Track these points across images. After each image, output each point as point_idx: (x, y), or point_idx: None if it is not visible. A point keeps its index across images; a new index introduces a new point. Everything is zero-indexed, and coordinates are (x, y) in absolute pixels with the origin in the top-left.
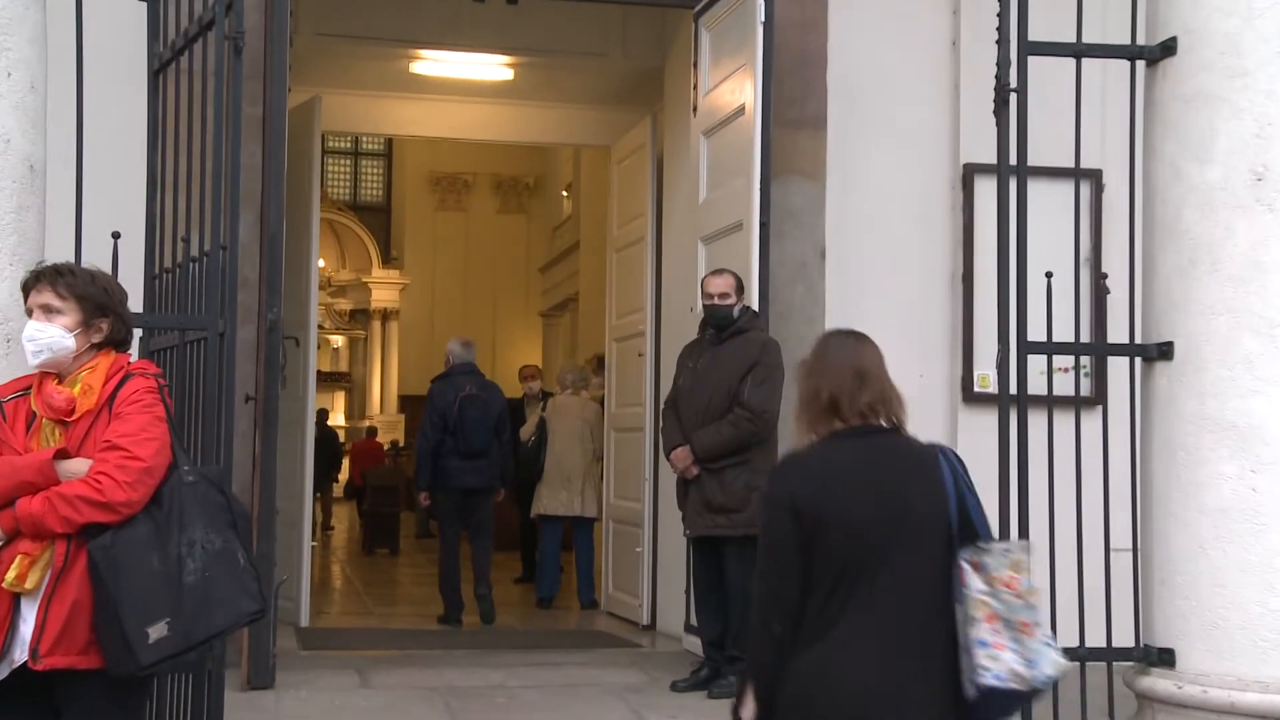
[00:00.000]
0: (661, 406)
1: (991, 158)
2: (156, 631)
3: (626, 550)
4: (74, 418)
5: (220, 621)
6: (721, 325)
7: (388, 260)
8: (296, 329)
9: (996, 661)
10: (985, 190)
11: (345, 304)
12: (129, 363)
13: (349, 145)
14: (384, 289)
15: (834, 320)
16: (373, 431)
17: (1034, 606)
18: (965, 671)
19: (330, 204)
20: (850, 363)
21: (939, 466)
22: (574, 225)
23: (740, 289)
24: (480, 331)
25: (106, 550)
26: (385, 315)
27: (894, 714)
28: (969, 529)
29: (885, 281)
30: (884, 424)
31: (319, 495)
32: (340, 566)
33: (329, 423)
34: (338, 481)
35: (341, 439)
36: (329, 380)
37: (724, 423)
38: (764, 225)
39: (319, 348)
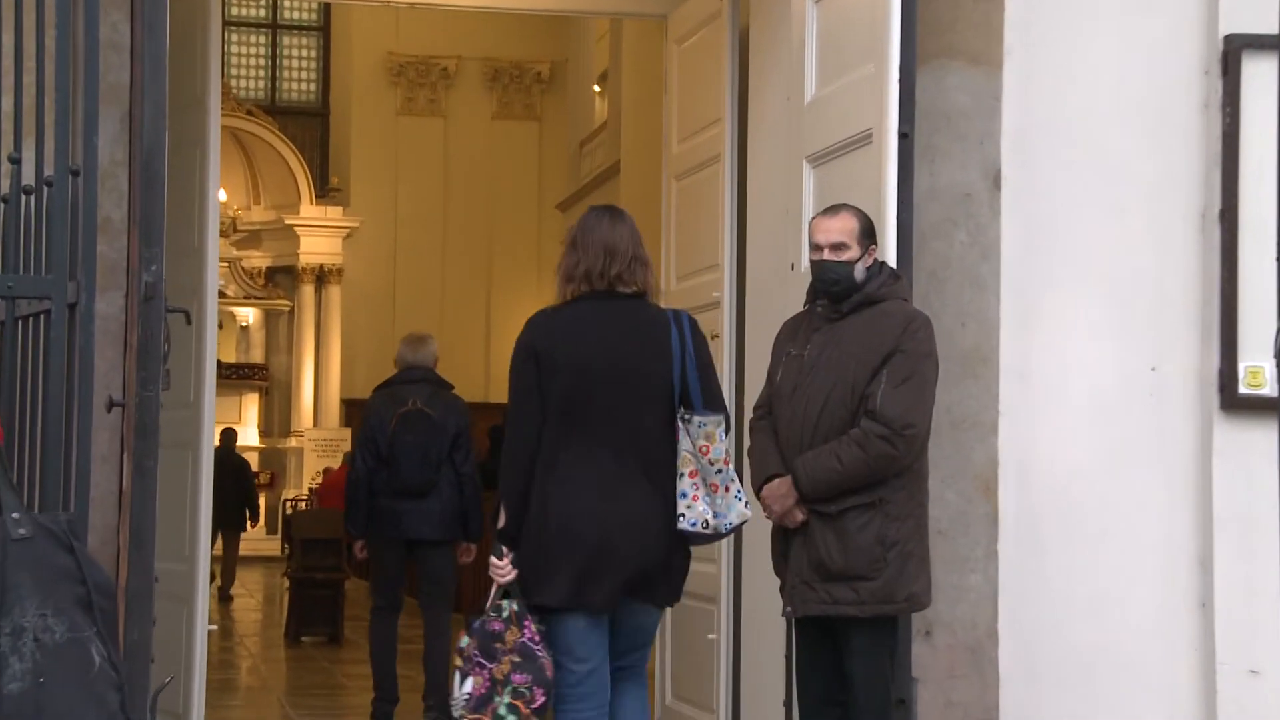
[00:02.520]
0: (749, 416)
1: (1269, 24)
2: None
3: (692, 637)
4: None
5: None
6: (840, 292)
7: (324, 192)
8: (186, 297)
9: (692, 510)
10: (1259, 77)
11: (260, 259)
12: None
13: (264, 14)
14: (320, 236)
15: (1014, 282)
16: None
17: (723, 471)
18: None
19: (237, 105)
20: (603, 241)
21: (668, 330)
22: (611, 139)
23: (869, 236)
24: (469, 302)
25: None
26: (322, 276)
27: (605, 532)
28: (688, 393)
29: (1095, 222)
30: (628, 290)
31: (219, 551)
32: (252, 661)
33: (237, 443)
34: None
35: (255, 467)
36: (236, 376)
37: (844, 441)
38: (905, 137)
39: (221, 327)
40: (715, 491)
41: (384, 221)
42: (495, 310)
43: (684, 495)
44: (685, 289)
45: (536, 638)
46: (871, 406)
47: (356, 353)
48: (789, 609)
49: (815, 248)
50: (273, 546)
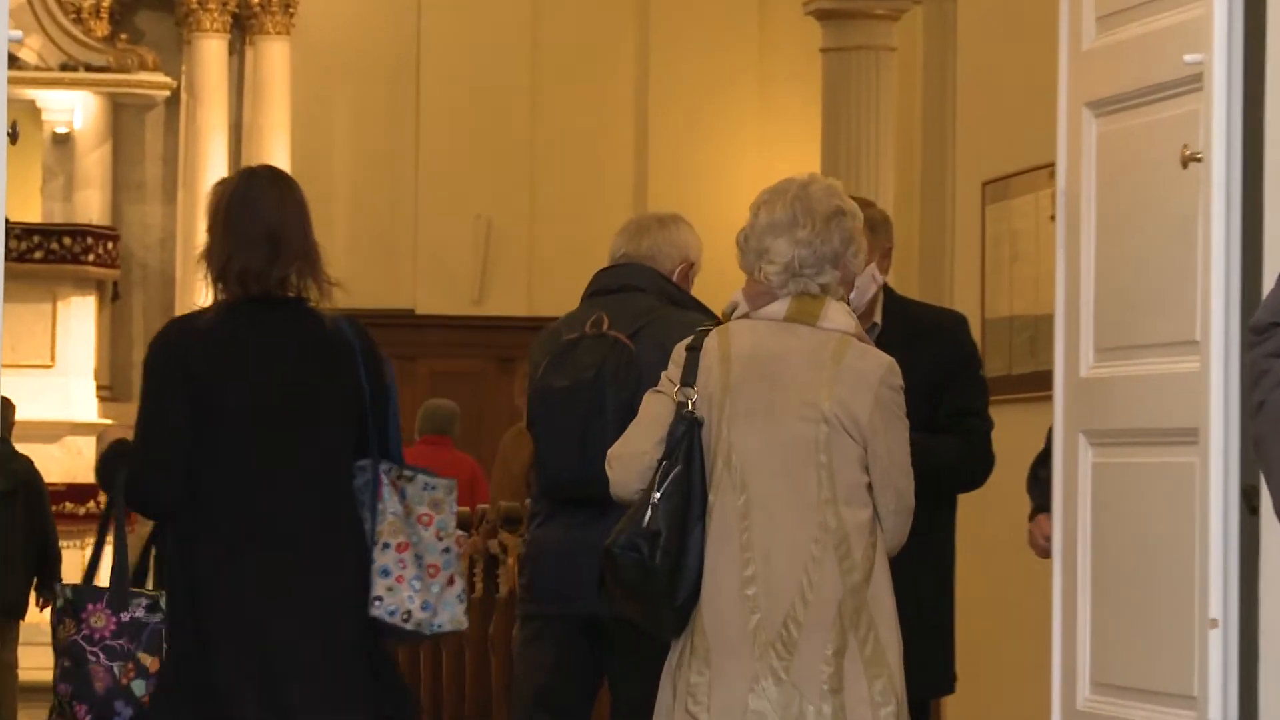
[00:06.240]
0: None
1: None
2: None
3: None
4: None
5: None
6: None
7: None
8: None
9: (393, 594)
10: None
11: None
12: None
13: None
14: None
15: None
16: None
17: (450, 550)
18: (368, 589)
19: None
20: (265, 225)
21: (352, 353)
22: None
23: None
24: (596, 99)
25: None
26: (244, 20)
27: (262, 624)
28: (382, 432)
29: None
30: (292, 295)
31: None
32: None
33: (14, 421)
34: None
35: (79, 476)
36: (48, 256)
37: None
38: None
39: (13, 137)
40: (433, 576)
41: None
42: (657, 124)
43: (386, 573)
44: (1117, 43)
45: (99, 634)
46: None
47: (332, 200)
48: None
49: None
50: None
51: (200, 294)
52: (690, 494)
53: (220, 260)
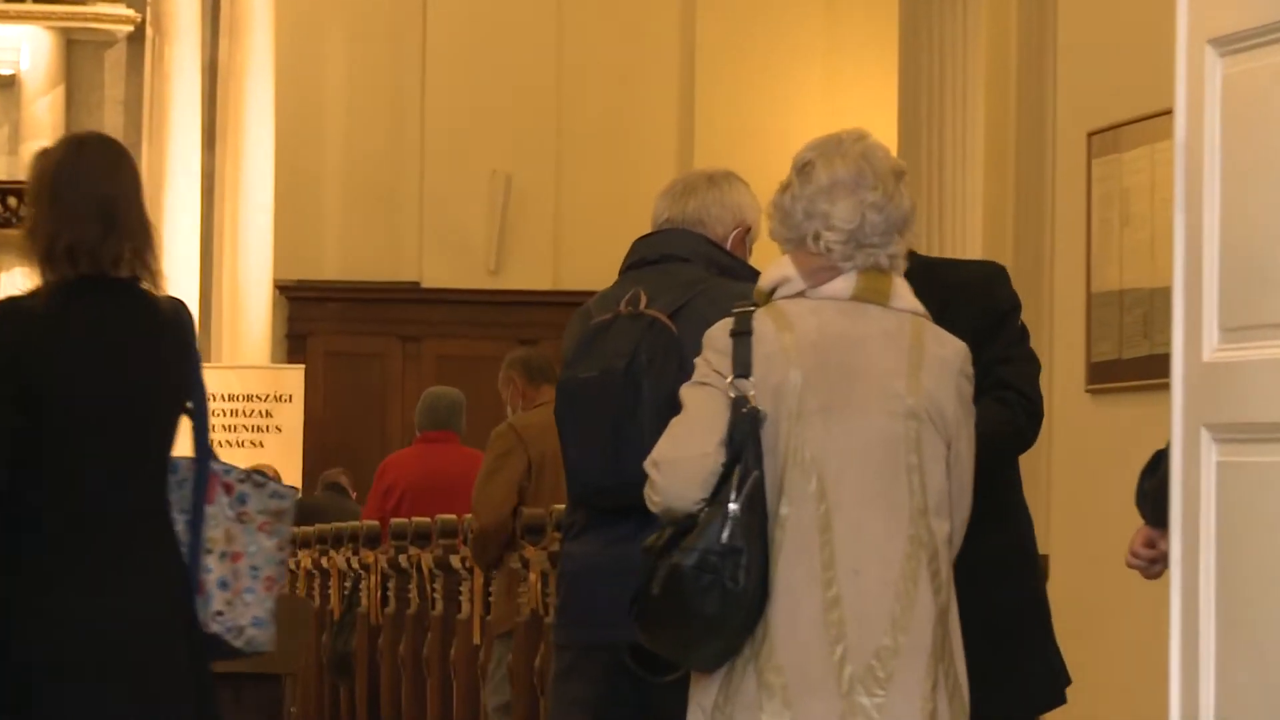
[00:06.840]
0: None
1: None
2: None
3: None
4: None
5: None
6: None
7: None
8: None
9: (232, 608)
10: None
11: None
12: None
13: None
14: None
15: None
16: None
17: (284, 564)
18: (198, 603)
19: None
20: (99, 197)
21: (188, 342)
22: None
23: None
24: (646, 32)
25: None
26: None
27: (114, 643)
28: (201, 425)
29: None
30: (124, 274)
31: None
32: None
33: None
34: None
35: None
36: None
37: None
38: None
39: None
40: (269, 590)
41: None
42: (706, 65)
43: (224, 585)
44: None
45: None
46: None
47: (324, 153)
48: None
49: None
50: None
51: (179, 261)
52: (761, 504)
53: (47, 237)
